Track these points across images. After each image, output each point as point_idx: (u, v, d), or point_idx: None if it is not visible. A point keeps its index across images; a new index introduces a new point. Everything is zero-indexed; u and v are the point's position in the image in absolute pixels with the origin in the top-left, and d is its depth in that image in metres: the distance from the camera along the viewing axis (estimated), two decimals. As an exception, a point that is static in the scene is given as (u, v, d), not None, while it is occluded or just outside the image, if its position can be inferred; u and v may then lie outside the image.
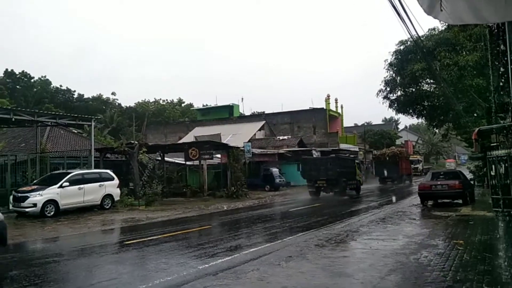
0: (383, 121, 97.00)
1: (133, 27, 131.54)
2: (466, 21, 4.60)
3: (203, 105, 66.42)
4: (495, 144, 14.27)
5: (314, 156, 35.63)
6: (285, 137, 42.82)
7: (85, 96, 62.78)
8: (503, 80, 10.16)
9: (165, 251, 8.94)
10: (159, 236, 11.04)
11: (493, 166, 14.46)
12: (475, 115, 23.30)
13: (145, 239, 10.61)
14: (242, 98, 74.85)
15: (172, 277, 6.66)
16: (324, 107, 49.22)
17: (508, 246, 8.84)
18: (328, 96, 51.38)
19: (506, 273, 6.44)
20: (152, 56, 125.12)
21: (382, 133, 57.86)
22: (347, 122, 65.87)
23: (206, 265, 7.43)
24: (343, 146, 45.79)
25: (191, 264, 7.62)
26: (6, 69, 56.38)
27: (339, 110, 53.75)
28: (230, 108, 54.93)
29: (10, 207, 15.92)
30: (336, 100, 53.64)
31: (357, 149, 49.34)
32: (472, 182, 21.90)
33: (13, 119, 18.08)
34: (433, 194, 17.57)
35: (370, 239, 9.82)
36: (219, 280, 6.44)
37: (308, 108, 49.73)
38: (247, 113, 59.20)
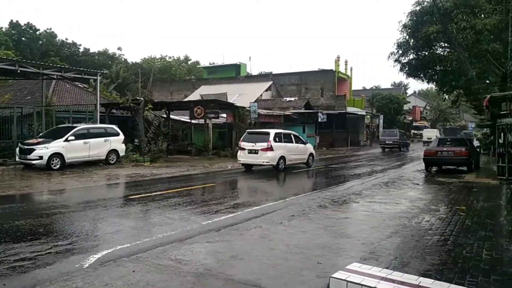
0: (392, 85, 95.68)
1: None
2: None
3: (210, 63, 65.53)
4: (506, 112, 14.03)
5: (320, 119, 35.40)
6: (292, 99, 42.37)
7: (91, 51, 62.10)
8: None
9: (169, 207, 9.05)
10: (163, 192, 11.16)
11: (502, 134, 14.29)
12: (488, 81, 22.76)
13: (150, 194, 10.73)
14: (250, 57, 74.22)
15: (175, 232, 6.75)
16: (334, 69, 48.33)
17: (511, 213, 8.84)
18: (338, 57, 50.38)
19: (506, 239, 6.45)
20: (159, 12, 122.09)
21: (390, 98, 57.03)
22: (356, 85, 65.03)
23: (209, 221, 7.52)
24: (350, 109, 45.34)
25: (195, 219, 7.72)
26: (11, 20, 55.52)
27: (349, 73, 52.82)
28: (237, 67, 54.12)
29: (17, 158, 16.09)
30: (346, 62, 52.61)
31: (364, 113, 48.89)
32: (478, 149, 21.75)
33: (19, 71, 17.98)
34: (438, 160, 17.52)
35: (373, 202, 9.86)
36: (222, 236, 6.52)
37: (317, 69, 48.87)
38: (255, 73, 58.50)
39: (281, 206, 9.18)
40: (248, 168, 17.54)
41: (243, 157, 17.09)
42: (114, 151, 18.18)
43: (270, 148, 16.36)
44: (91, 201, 10.00)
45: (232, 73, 53.12)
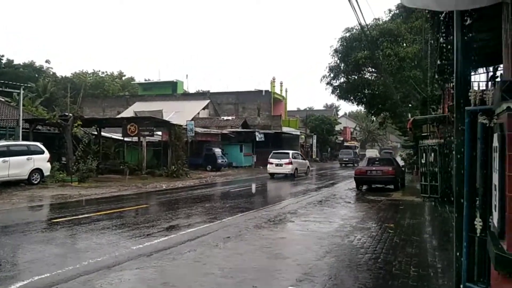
0: (324, 106, 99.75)
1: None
2: (424, 6, 4.67)
3: (145, 80, 63.99)
4: (427, 134, 15.15)
5: (257, 138, 35.83)
6: (230, 118, 42.55)
7: (15, 62, 57.89)
8: (437, 73, 10.70)
9: (97, 230, 8.48)
10: (92, 214, 10.48)
11: (424, 154, 15.37)
12: (410, 105, 24.56)
13: (76, 217, 10.02)
14: (187, 75, 73.35)
15: (102, 258, 6.30)
16: (270, 90, 49.45)
17: (433, 230, 9.41)
18: (274, 79, 51.63)
19: (431, 256, 6.81)
20: (92, 25, 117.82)
21: (323, 119, 59.34)
22: (291, 106, 66.97)
23: (140, 246, 7.13)
24: (285, 129, 46.46)
25: (124, 244, 7.28)
26: None
27: (284, 94, 54.31)
28: (173, 85, 53.39)
29: None
30: (281, 83, 54.08)
31: (299, 133, 50.34)
32: (403, 169, 23.19)
33: None
34: (367, 179, 18.36)
35: (308, 220, 10.01)
36: (153, 261, 6.19)
37: (253, 89, 49.69)
38: (192, 91, 58.08)
39: (217, 228, 8.99)
40: (272, 176, 25.16)
41: (271, 168, 25.18)
42: (38, 170, 16.86)
43: (291, 163, 24.71)
44: (8, 225, 9.09)
45: (169, 90, 52.29)
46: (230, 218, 10.35)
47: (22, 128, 20.14)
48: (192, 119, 32.65)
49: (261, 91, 48.60)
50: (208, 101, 47.25)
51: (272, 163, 25.11)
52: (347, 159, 47.14)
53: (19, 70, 55.04)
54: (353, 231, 8.71)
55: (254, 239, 7.90)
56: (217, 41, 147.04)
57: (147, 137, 23.36)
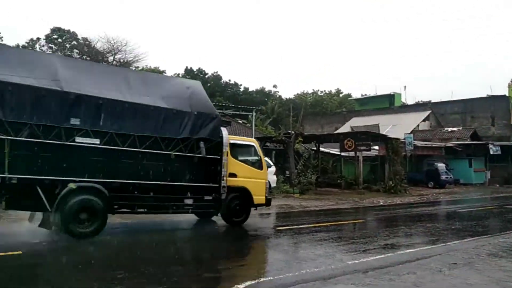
0: None
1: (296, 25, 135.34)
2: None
3: (362, 95, 64.36)
4: None
5: (492, 151, 30.90)
6: (455, 129, 38.21)
7: (250, 89, 67.71)
8: None
9: (315, 241, 8.83)
10: (311, 225, 11.02)
11: None
12: None
13: (297, 226, 10.72)
14: (405, 87, 70.08)
15: (319, 269, 6.48)
16: (507, 94, 42.07)
17: None
18: (512, 81, 43.72)
19: None
20: (311, 50, 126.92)
21: None
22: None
23: (356, 261, 7.02)
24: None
25: (340, 257, 7.32)
26: (186, 67, 64.82)
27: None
28: (390, 98, 51.79)
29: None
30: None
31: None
32: None
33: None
34: None
35: None
36: (369, 278, 5.97)
37: (485, 95, 43.27)
38: (410, 102, 55.00)
39: (441, 251, 8.05)
40: None
41: None
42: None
43: None
44: (241, 229, 10.47)
45: (385, 104, 51.00)
46: (456, 241, 9.13)
47: (254, 145, 23.11)
48: (410, 132, 30.81)
49: (496, 96, 41.86)
50: (429, 112, 43.75)
51: None
52: None
53: (253, 96, 64.03)
54: None
55: (488, 269, 6.70)
56: (441, 47, 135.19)
57: (363, 152, 23.28)
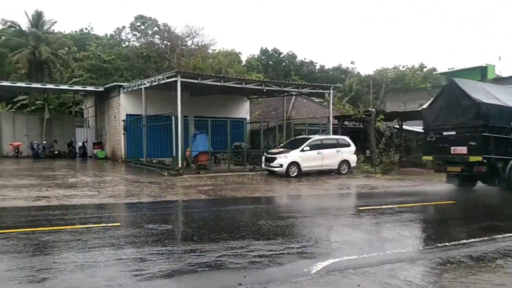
0: None
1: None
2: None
3: (449, 69, 59.51)
4: None
5: None
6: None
7: (326, 67, 66.13)
8: None
9: (400, 222, 8.44)
10: (394, 206, 10.52)
11: None
12: None
13: (379, 206, 10.30)
14: (500, 57, 63.36)
15: (405, 250, 6.18)
16: None
17: None
18: None
19: None
20: (391, 23, 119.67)
21: None
22: None
23: (447, 243, 6.56)
24: None
25: (428, 240, 6.90)
26: (261, 47, 64.98)
27: None
28: (482, 70, 47.04)
29: (262, 165, 18.39)
30: None
31: None
32: None
33: (265, 90, 20.73)
34: None
35: None
36: (461, 266, 5.54)
37: None
38: (507, 74, 49.64)
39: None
40: None
41: None
42: (345, 162, 18.55)
43: None
44: (322, 208, 10.37)
45: (476, 77, 46.44)
46: None
47: (332, 124, 22.62)
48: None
49: None
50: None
51: None
52: None
53: (329, 74, 62.50)
54: None
55: None
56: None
57: (451, 129, 21.58)
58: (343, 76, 60.91)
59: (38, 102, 35.60)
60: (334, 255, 5.82)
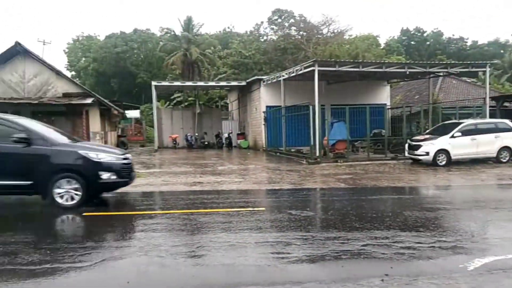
0: None
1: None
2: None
3: None
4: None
5: None
6: None
7: (479, 43, 58.48)
8: None
9: None
10: None
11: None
12: None
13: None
14: None
15: None
16: None
17: None
18: None
19: None
20: None
21: None
22: None
23: None
24: None
25: None
26: (402, 28, 60.83)
27: None
28: None
29: (406, 154, 17.30)
30: None
31: None
32: None
33: (407, 73, 19.39)
34: None
35: None
36: None
37: None
38: None
39: None
40: None
41: None
42: (506, 148, 16.25)
43: None
44: (478, 200, 9.32)
45: None
46: None
47: (489, 106, 19.99)
48: None
49: None
50: None
51: None
52: None
53: (484, 49, 55.15)
54: None
55: None
56: None
57: None
58: (502, 51, 53.09)
59: (190, 98, 40.03)
60: (495, 252, 5.19)
